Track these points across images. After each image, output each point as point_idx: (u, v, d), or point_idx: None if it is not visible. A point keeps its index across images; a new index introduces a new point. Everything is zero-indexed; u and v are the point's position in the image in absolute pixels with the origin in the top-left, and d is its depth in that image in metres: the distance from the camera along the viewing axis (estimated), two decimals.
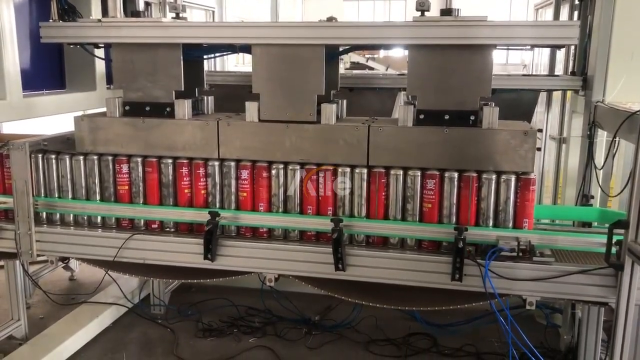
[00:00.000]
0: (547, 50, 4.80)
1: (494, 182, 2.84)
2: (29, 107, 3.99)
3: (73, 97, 4.40)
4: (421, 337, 4.37)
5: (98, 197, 3.34)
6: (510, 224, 2.86)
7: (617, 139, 3.39)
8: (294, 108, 3.08)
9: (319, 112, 3.08)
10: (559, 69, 4.66)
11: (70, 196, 3.37)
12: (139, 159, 3.27)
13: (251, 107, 3.15)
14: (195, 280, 3.56)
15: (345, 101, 3.40)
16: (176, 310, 4.77)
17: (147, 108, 3.27)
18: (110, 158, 3.30)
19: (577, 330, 3.84)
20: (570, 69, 4.33)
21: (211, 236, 3.05)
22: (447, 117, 2.93)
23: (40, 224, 3.39)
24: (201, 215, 3.15)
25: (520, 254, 2.81)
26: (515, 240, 2.83)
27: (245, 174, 3.15)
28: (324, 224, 3.01)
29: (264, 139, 3.11)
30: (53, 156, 3.35)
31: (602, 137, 3.73)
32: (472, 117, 2.92)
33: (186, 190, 3.24)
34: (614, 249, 2.58)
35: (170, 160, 3.24)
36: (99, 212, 3.38)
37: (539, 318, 4.45)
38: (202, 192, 3.22)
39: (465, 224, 2.88)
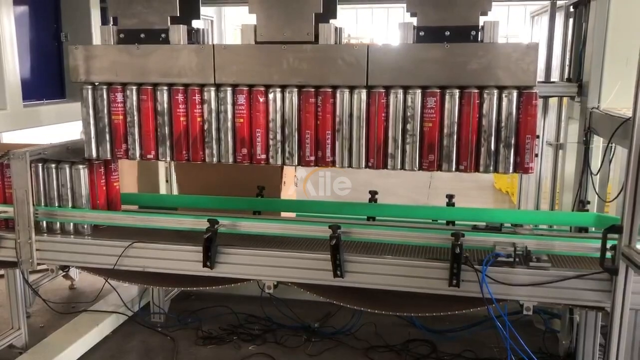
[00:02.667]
0: (543, 57, 4.82)
1: (495, 97, 2.78)
2: (29, 117, 4.02)
3: (73, 107, 4.42)
4: (420, 343, 4.37)
5: (92, 129, 3.25)
6: (513, 141, 2.81)
7: (612, 144, 3.41)
8: (291, 28, 2.99)
9: (316, 37, 2.99)
10: (554, 76, 4.68)
11: (70, 205, 3.40)
12: (134, 87, 3.18)
13: (247, 29, 3.06)
14: (194, 288, 3.57)
15: (344, 28, 3.28)
16: (176, 318, 4.78)
17: (142, 35, 3.18)
18: (104, 87, 3.21)
19: (576, 335, 3.85)
20: (565, 76, 4.35)
21: (210, 244, 3.07)
22: (447, 33, 2.84)
23: (41, 233, 3.41)
24: (200, 223, 3.17)
25: (517, 259, 2.84)
26: (511, 246, 2.86)
27: (241, 99, 3.06)
28: (322, 231, 3.03)
29: (260, 62, 3.01)
30: (53, 165, 3.37)
31: (598, 143, 3.75)
32: (473, 33, 2.82)
33: (182, 118, 3.16)
34: (608, 254, 2.60)
35: (165, 88, 3.14)
36: (98, 221, 3.41)
37: (538, 323, 4.46)
38: (198, 119, 3.14)
39: (467, 143, 2.84)
